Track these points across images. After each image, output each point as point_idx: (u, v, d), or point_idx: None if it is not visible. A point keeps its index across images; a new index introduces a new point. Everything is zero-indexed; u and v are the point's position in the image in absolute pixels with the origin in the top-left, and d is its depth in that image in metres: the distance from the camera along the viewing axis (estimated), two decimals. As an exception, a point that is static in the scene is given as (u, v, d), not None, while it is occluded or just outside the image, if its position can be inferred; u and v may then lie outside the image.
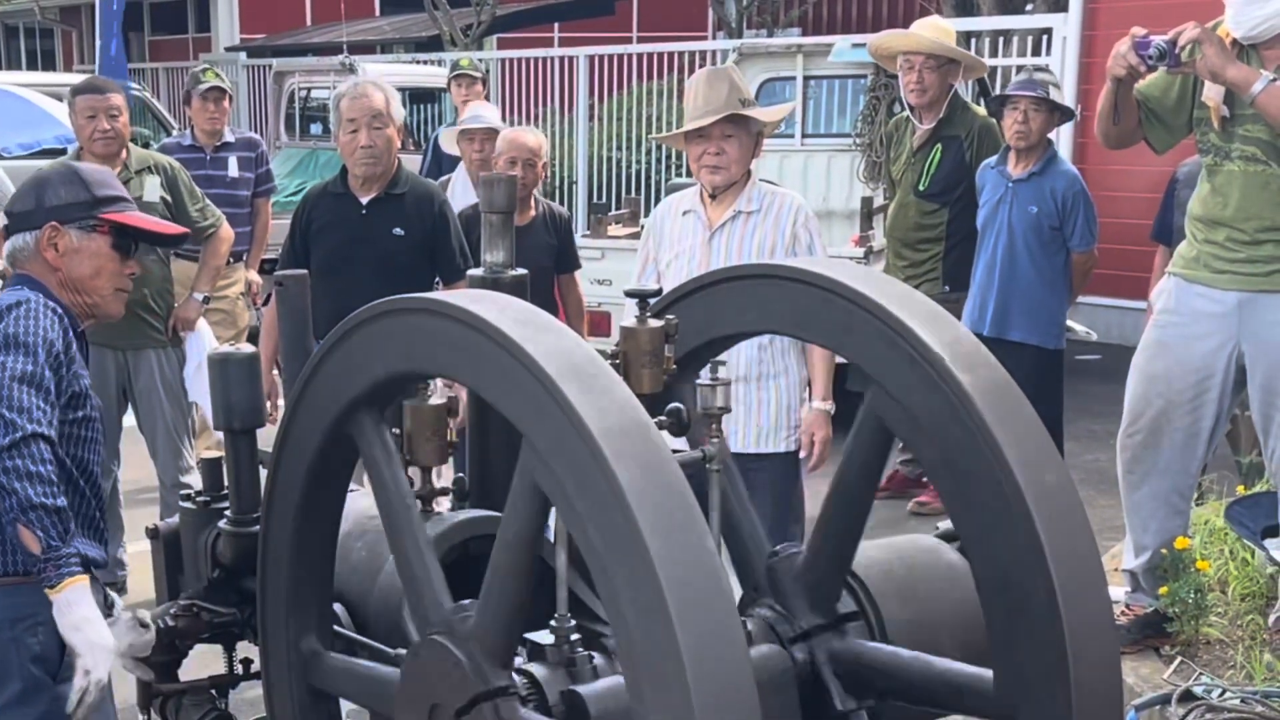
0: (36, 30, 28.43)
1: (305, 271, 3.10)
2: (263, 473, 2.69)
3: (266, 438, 2.72)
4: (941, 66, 6.45)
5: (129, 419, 5.76)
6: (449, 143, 6.97)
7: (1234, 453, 6.14)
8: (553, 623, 2.17)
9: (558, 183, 13.67)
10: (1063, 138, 9.86)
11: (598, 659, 2.22)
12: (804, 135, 9.50)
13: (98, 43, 13.11)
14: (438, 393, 2.51)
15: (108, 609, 3.02)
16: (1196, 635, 4.47)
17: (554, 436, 1.94)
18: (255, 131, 11.18)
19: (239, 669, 2.90)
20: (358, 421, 2.35)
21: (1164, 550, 4.48)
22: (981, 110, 6.71)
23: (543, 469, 1.96)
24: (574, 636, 2.17)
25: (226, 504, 2.85)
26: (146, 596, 3.45)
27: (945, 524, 2.68)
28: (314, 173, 11.79)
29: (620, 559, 1.85)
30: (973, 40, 10.65)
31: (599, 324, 7.19)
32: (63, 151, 7.85)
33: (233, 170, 7.23)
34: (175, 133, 10.43)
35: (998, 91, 7.45)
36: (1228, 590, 4.80)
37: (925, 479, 6.89)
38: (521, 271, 2.71)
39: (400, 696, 2.28)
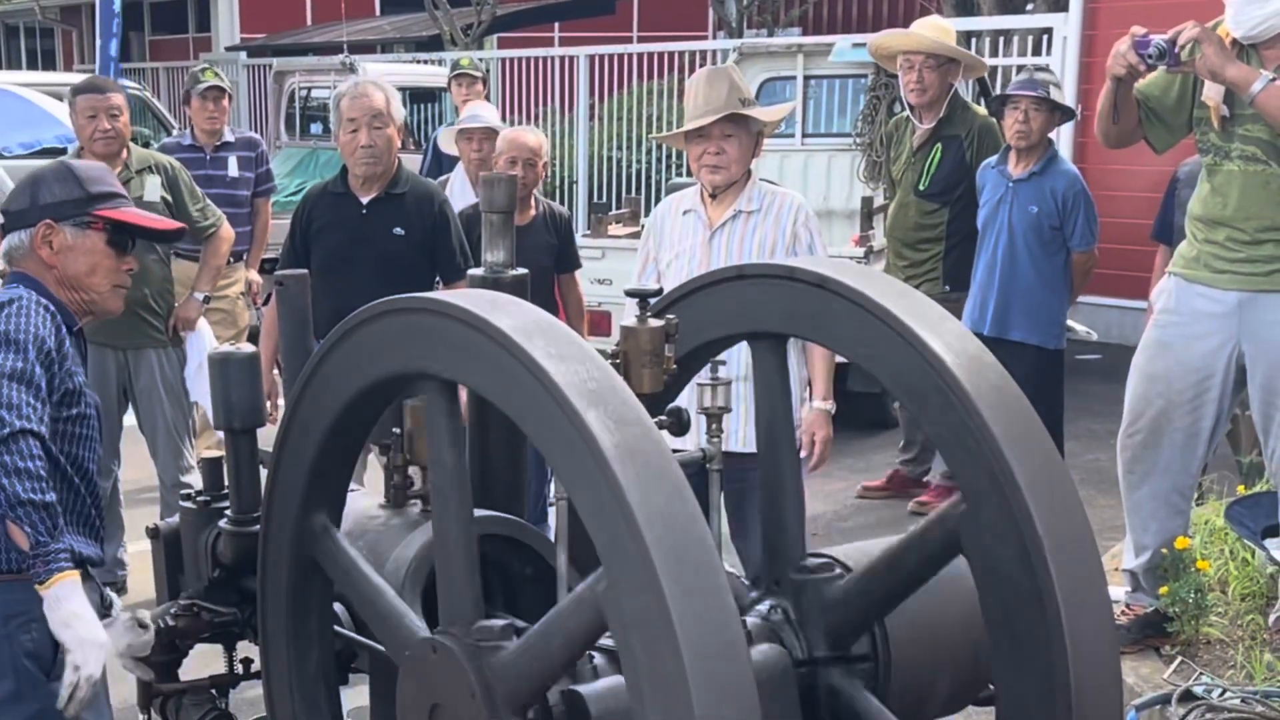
0: (37, 30, 28.43)
1: (305, 271, 3.10)
2: (263, 472, 2.69)
3: (267, 437, 2.72)
4: (941, 66, 6.46)
5: (129, 418, 5.76)
6: (447, 143, 6.97)
7: (1234, 452, 6.14)
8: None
9: (558, 182, 13.68)
10: (1063, 137, 9.86)
11: (598, 659, 2.22)
12: (804, 135, 9.50)
13: (98, 42, 13.12)
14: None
15: (106, 609, 3.02)
16: (1197, 635, 4.47)
17: (555, 433, 1.94)
18: (256, 131, 11.19)
19: (239, 669, 2.90)
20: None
21: (1164, 550, 4.48)
22: (981, 110, 6.71)
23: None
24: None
25: (227, 504, 2.86)
26: (147, 596, 3.45)
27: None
28: (314, 172, 11.78)
29: (620, 559, 1.85)
30: (973, 40, 10.66)
31: (599, 323, 7.19)
32: (63, 151, 7.85)
33: (232, 170, 7.23)
34: (175, 132, 10.43)
35: (998, 91, 7.45)
36: (1228, 590, 4.80)
37: (926, 479, 6.90)
38: (522, 271, 2.72)
39: (402, 694, 2.27)
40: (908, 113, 6.73)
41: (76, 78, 9.79)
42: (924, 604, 2.40)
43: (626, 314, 2.58)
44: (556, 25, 21.94)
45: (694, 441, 2.97)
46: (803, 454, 4.47)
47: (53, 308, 2.99)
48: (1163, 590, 4.47)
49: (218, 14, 23.48)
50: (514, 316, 2.07)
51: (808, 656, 2.37)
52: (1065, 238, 5.93)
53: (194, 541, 2.88)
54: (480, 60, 11.30)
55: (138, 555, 5.47)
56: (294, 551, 2.52)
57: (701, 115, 4.26)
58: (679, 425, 2.45)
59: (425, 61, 16.02)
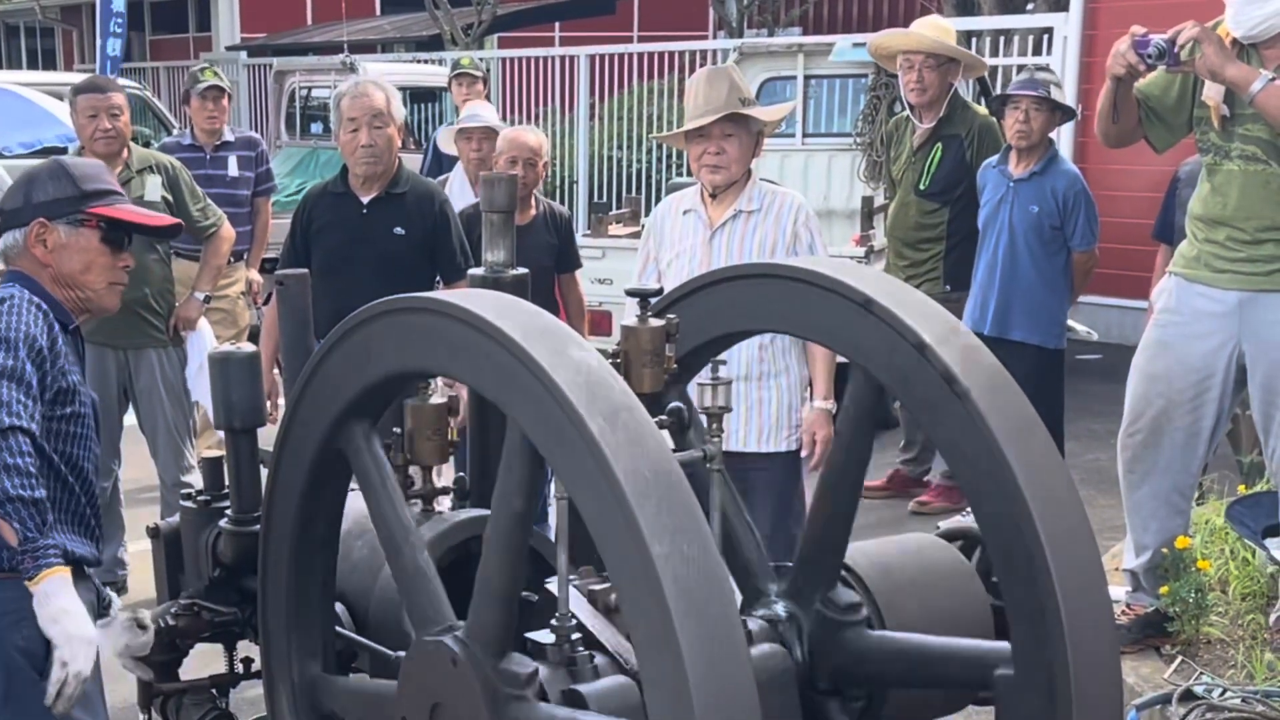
0: (37, 29, 28.43)
1: (306, 271, 3.10)
2: (263, 472, 2.69)
3: (267, 437, 2.72)
4: (941, 65, 6.46)
5: (130, 418, 5.76)
6: (447, 142, 6.98)
7: (1235, 452, 6.14)
8: (554, 622, 2.17)
9: (558, 182, 13.68)
10: (1063, 137, 9.86)
11: (598, 658, 2.22)
12: (805, 135, 9.50)
13: (98, 42, 13.12)
14: (438, 392, 2.52)
15: (104, 609, 3.01)
16: (1197, 635, 4.47)
17: (555, 433, 1.94)
18: (256, 131, 11.19)
19: (240, 668, 2.90)
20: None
21: (1165, 550, 4.47)
22: (981, 109, 6.71)
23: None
24: (575, 636, 2.17)
25: (227, 503, 2.86)
26: (147, 595, 3.45)
27: (945, 523, 2.69)
28: (314, 172, 11.78)
29: (621, 559, 1.85)
30: (973, 40, 10.65)
31: (600, 323, 7.20)
32: (64, 150, 7.85)
33: (233, 169, 7.23)
34: (175, 132, 10.43)
35: (998, 91, 7.45)
36: (1228, 590, 4.79)
37: (926, 479, 6.90)
38: (522, 271, 2.72)
39: (401, 696, 2.28)
40: (908, 112, 6.74)
41: (77, 77, 9.80)
42: (898, 558, 2.48)
43: (627, 314, 2.58)
44: (557, 25, 21.94)
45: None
46: (804, 453, 4.48)
47: (45, 306, 2.99)
48: (1163, 590, 4.47)
49: (218, 13, 23.47)
50: (515, 317, 2.07)
51: (803, 635, 2.38)
52: (1066, 237, 5.93)
53: (194, 541, 2.89)
54: (480, 60, 11.30)
55: (138, 555, 5.47)
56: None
57: (702, 115, 4.26)
58: (680, 425, 2.45)
59: (425, 61, 16.01)
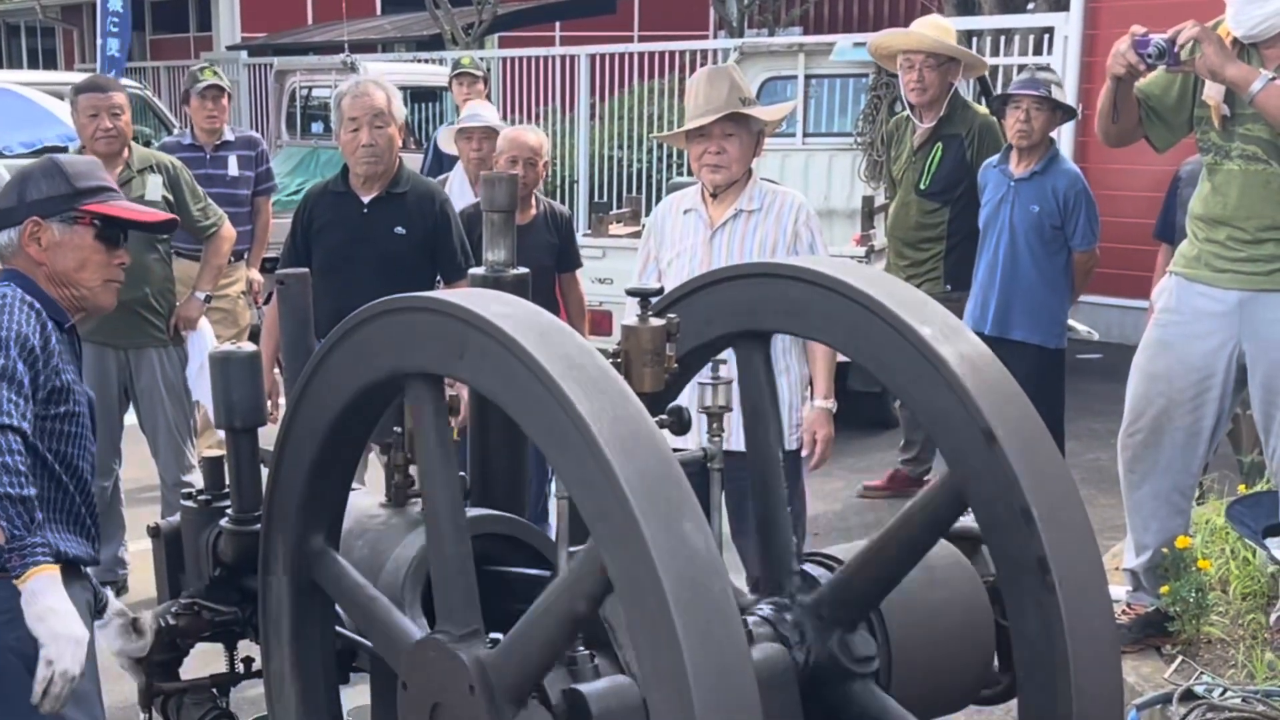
0: (38, 29, 28.44)
1: (306, 270, 3.10)
2: (264, 471, 2.69)
3: (268, 436, 2.72)
4: (941, 65, 6.45)
5: (130, 417, 5.76)
6: (447, 142, 6.98)
7: (1235, 452, 6.14)
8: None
9: (559, 181, 13.68)
10: (1064, 137, 9.87)
11: (599, 658, 2.22)
12: (805, 134, 9.50)
13: (98, 41, 13.12)
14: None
15: (100, 610, 3.00)
16: (1198, 634, 4.47)
17: (555, 433, 1.94)
18: (257, 130, 11.19)
19: (240, 668, 2.90)
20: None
21: (1165, 549, 4.48)
22: (982, 108, 6.71)
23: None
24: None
25: (228, 503, 2.86)
26: (147, 595, 3.45)
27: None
28: (315, 171, 11.78)
29: (621, 558, 1.85)
30: (974, 39, 10.66)
31: (600, 323, 7.19)
32: (65, 150, 7.85)
33: (233, 169, 7.23)
34: (175, 131, 10.43)
35: (999, 90, 7.45)
36: (1229, 589, 4.80)
37: (926, 478, 6.90)
38: (523, 270, 2.72)
39: (403, 694, 2.27)
40: (908, 112, 6.73)
41: (78, 77, 9.79)
42: (922, 599, 2.40)
43: (627, 313, 2.58)
44: (557, 25, 21.94)
45: (695, 441, 2.97)
46: (804, 453, 4.48)
47: (38, 305, 2.98)
48: (1164, 589, 4.47)
49: (219, 13, 23.48)
50: (515, 316, 2.07)
51: (809, 659, 2.36)
52: (1066, 237, 5.93)
53: (195, 540, 2.89)
54: (481, 59, 11.29)
55: (138, 554, 5.47)
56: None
57: (702, 114, 4.26)
58: (680, 424, 2.45)
59: (426, 61, 16.02)
